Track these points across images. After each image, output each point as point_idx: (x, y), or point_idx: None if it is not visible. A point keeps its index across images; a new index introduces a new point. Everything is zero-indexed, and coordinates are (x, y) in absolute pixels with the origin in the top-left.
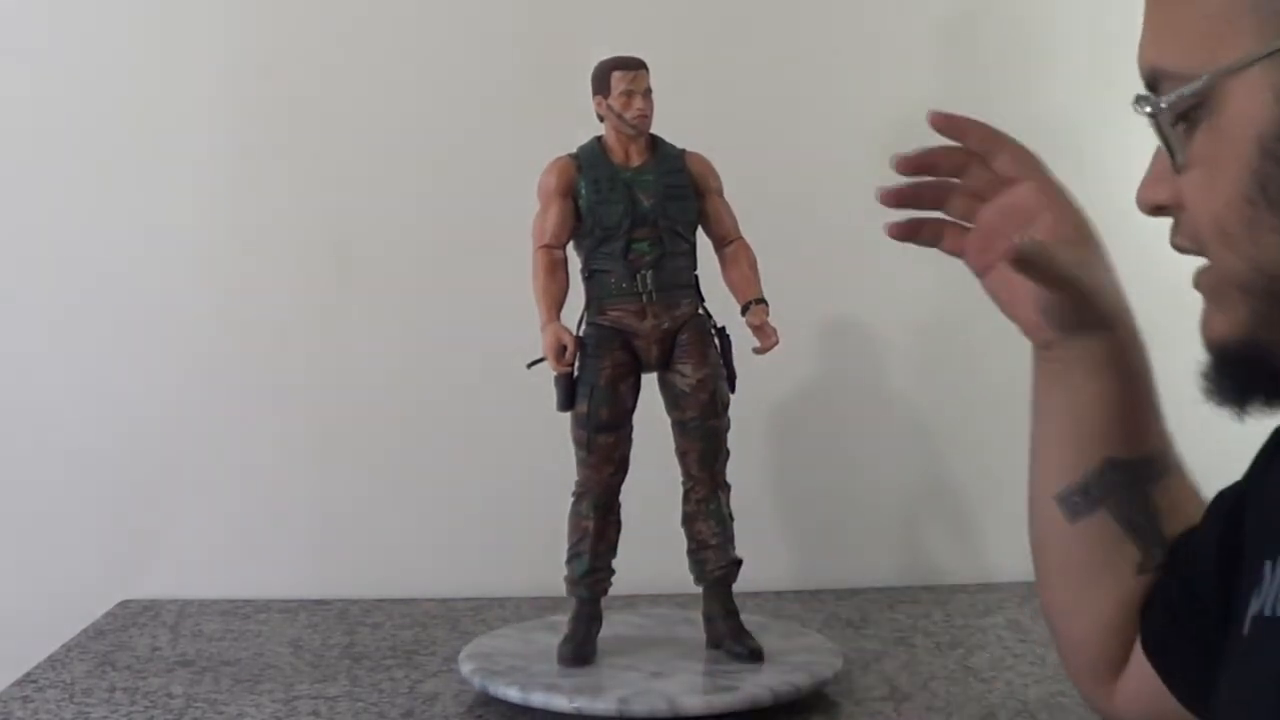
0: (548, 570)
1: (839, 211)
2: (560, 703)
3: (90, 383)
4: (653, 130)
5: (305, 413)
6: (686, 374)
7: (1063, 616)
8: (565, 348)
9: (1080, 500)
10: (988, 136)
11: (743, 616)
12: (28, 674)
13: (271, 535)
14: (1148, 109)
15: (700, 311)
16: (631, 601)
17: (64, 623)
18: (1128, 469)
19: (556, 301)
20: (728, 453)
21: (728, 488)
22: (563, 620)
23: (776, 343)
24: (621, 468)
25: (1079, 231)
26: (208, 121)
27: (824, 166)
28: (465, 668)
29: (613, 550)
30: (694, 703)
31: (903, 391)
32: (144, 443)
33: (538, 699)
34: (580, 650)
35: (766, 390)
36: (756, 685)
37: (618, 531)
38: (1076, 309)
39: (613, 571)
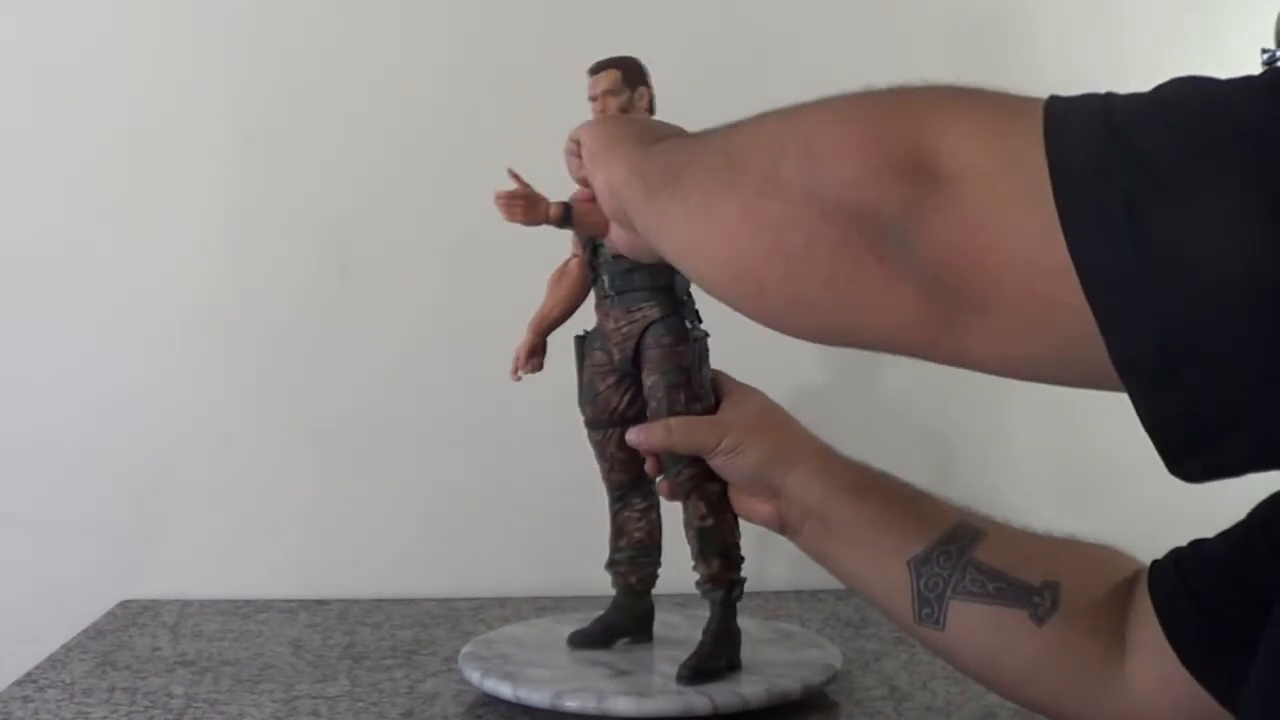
0: (548, 570)
1: None
2: (560, 702)
3: (90, 382)
4: None
5: (305, 412)
6: (644, 380)
7: (1044, 701)
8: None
9: (929, 610)
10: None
11: (741, 617)
12: (28, 674)
13: (271, 535)
14: (1264, 57)
15: (668, 316)
16: (685, 602)
17: (64, 623)
18: (932, 559)
19: (542, 312)
20: (688, 463)
21: (708, 493)
22: (563, 620)
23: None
24: (618, 466)
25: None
26: (207, 122)
27: None
28: (465, 668)
29: (633, 545)
30: (696, 702)
31: (901, 392)
32: (144, 443)
33: (538, 699)
34: (584, 634)
35: (766, 391)
36: (756, 685)
37: (637, 526)
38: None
39: (629, 565)
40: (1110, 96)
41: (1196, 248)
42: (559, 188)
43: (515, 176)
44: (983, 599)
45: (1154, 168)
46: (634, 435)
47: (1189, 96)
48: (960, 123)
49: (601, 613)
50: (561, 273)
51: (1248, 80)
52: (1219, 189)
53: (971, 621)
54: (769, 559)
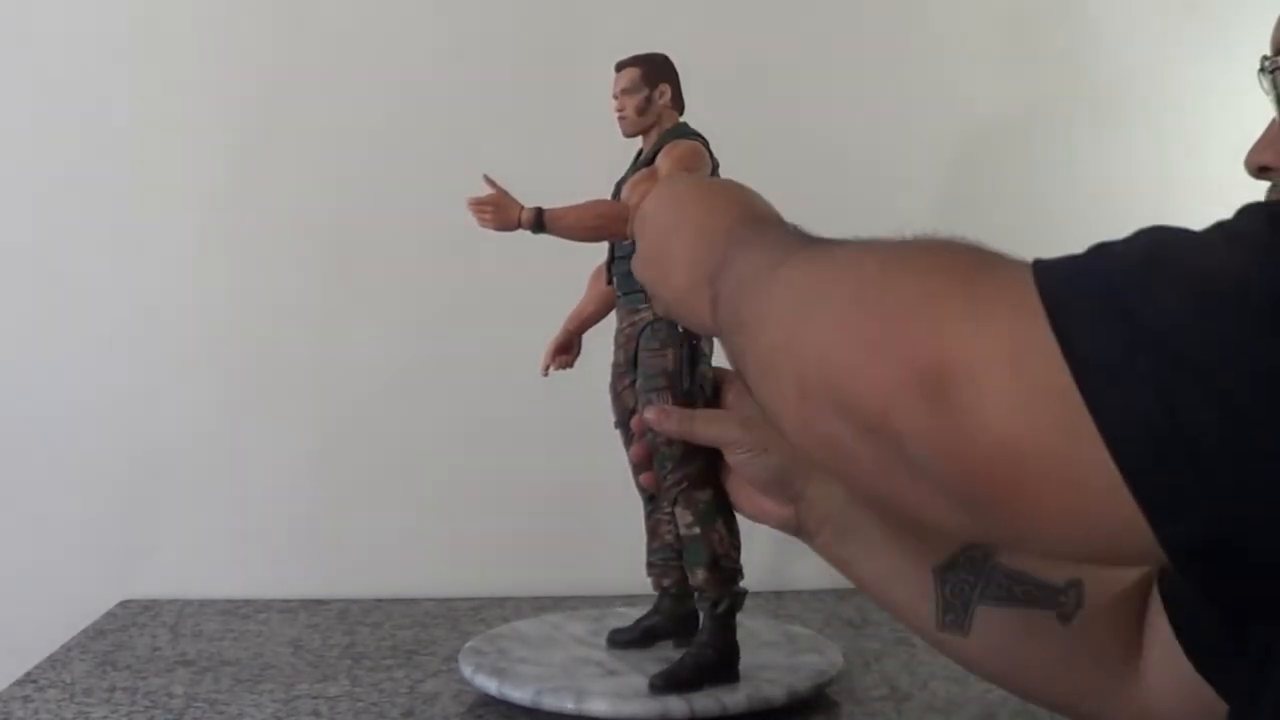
0: (547, 570)
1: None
2: (560, 703)
3: (90, 383)
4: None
5: (305, 412)
6: (637, 382)
7: (1067, 701)
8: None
9: (954, 616)
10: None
11: (750, 619)
12: (28, 674)
13: (271, 535)
14: (1266, 68)
15: (658, 319)
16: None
17: (64, 623)
18: (957, 565)
19: (575, 308)
20: (675, 465)
21: (694, 501)
22: (574, 617)
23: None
24: (639, 468)
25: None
26: (207, 122)
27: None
28: (465, 668)
29: (664, 548)
30: (674, 707)
31: None
32: (143, 443)
33: (519, 696)
34: (624, 636)
35: None
36: (756, 685)
37: (667, 529)
38: (779, 470)
39: (662, 567)
40: (1102, 266)
41: (1236, 433)
42: (557, 187)
43: (490, 182)
44: (1010, 603)
45: (1179, 351)
46: (651, 414)
47: (1184, 256)
48: (968, 323)
49: (628, 610)
50: (599, 270)
51: (1232, 230)
52: (1249, 370)
53: (998, 625)
54: (770, 559)
